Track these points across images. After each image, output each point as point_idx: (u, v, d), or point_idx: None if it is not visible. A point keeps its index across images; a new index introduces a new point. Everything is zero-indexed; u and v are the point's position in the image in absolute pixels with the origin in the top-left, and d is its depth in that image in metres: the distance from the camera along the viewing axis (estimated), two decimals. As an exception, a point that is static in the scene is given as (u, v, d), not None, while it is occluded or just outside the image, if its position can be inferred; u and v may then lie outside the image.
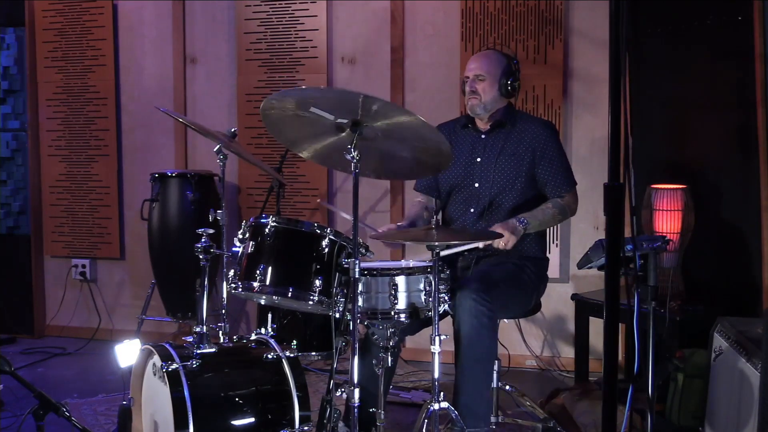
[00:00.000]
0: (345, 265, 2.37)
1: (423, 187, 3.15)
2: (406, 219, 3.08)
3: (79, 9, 4.65)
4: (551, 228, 4.02)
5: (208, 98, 4.59)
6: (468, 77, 2.95)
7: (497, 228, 2.71)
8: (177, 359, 2.36)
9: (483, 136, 2.99)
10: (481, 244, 2.70)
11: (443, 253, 2.44)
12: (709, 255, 3.52)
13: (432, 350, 2.34)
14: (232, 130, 2.96)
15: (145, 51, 4.64)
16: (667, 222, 3.35)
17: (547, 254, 3.08)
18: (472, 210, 2.95)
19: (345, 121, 2.24)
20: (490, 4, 4.09)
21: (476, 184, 2.95)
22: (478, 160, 2.96)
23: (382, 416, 2.39)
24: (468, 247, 2.73)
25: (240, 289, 2.53)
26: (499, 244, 2.66)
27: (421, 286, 2.40)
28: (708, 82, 3.59)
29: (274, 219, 2.53)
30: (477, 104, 2.92)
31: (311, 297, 2.45)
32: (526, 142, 2.92)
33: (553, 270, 3.98)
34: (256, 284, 2.48)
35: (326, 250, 2.49)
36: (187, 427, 2.27)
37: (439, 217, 2.49)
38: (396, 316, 2.38)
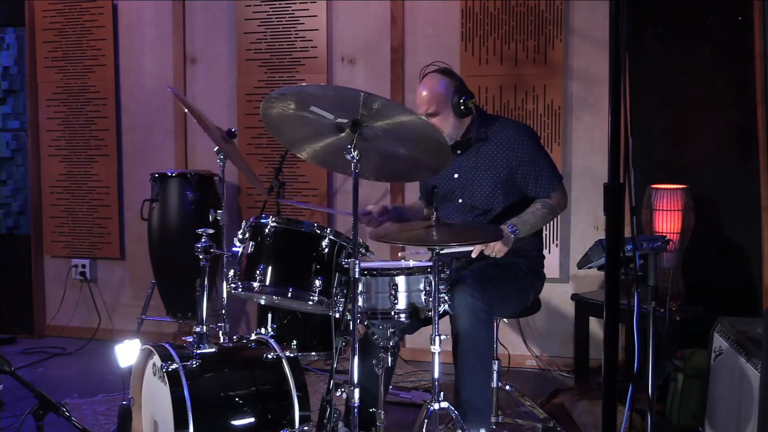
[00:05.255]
0: (345, 265, 2.37)
1: (424, 199, 3.14)
2: (397, 205, 3.03)
3: (79, 9, 4.65)
4: (551, 228, 4.03)
5: (208, 98, 4.59)
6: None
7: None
8: (177, 359, 2.36)
9: (458, 151, 2.89)
10: (474, 254, 2.67)
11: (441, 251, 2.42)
12: (709, 255, 3.52)
13: (432, 350, 2.34)
14: (232, 130, 2.96)
15: (145, 51, 4.64)
16: (667, 222, 3.35)
17: (544, 252, 3.06)
18: None
19: (345, 120, 2.24)
20: (490, 4, 4.09)
21: (460, 200, 2.93)
22: (456, 176, 2.91)
23: (382, 416, 2.39)
24: (462, 250, 2.72)
25: (240, 289, 2.53)
26: (490, 252, 2.65)
27: (421, 286, 2.40)
28: (708, 81, 3.60)
29: (274, 219, 2.52)
30: None
31: (311, 297, 2.45)
32: (500, 154, 2.84)
33: (553, 270, 4.00)
34: (256, 284, 2.47)
35: (326, 250, 2.49)
36: (187, 427, 2.27)
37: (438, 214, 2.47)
38: (396, 316, 2.38)
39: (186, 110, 3.20)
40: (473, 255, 2.66)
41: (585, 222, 4.07)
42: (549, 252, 3.96)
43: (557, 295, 4.01)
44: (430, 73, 2.89)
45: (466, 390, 2.55)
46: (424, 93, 2.83)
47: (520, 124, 3.05)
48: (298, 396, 2.47)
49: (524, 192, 2.88)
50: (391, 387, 3.48)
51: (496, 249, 2.63)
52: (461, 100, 2.80)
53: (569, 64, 4.06)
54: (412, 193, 4.25)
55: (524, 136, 2.88)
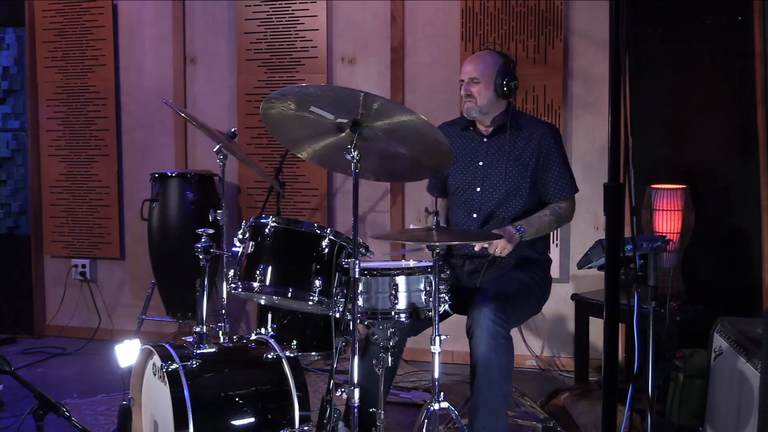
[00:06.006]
0: (345, 265, 2.37)
1: (436, 190, 3.13)
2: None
3: (79, 9, 4.65)
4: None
5: (208, 98, 4.59)
6: (463, 80, 2.89)
7: (495, 231, 2.71)
8: (177, 359, 2.36)
9: (485, 140, 2.93)
10: (477, 247, 2.68)
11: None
12: (709, 255, 3.52)
13: (432, 350, 2.34)
14: (232, 130, 2.96)
15: (145, 51, 4.64)
16: (667, 222, 3.35)
17: (549, 255, 3.07)
18: (474, 216, 2.91)
19: (345, 120, 2.24)
20: (490, 4, 4.09)
21: (478, 189, 2.91)
22: (480, 164, 2.92)
23: (382, 416, 2.39)
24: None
25: (240, 289, 2.53)
26: (494, 250, 2.65)
27: (422, 286, 2.40)
28: (708, 82, 3.59)
29: (274, 219, 2.52)
30: (473, 107, 2.87)
31: (311, 297, 2.45)
32: (531, 146, 2.87)
33: (553, 270, 3.96)
34: (256, 284, 2.47)
35: (326, 250, 2.49)
36: (187, 427, 2.27)
37: (439, 217, 2.46)
38: (396, 316, 2.38)
39: (183, 115, 3.20)
40: (476, 249, 2.68)
41: (585, 222, 4.07)
42: (549, 252, 3.95)
43: (557, 295, 4.00)
44: (489, 48, 3.00)
45: (482, 417, 2.52)
46: (475, 60, 2.90)
47: (550, 123, 3.10)
48: (298, 396, 2.47)
49: (541, 194, 2.89)
50: (391, 387, 3.48)
51: (500, 246, 2.63)
52: (505, 81, 2.86)
53: (569, 64, 4.06)
54: (412, 192, 4.25)
55: (555, 136, 2.92)
